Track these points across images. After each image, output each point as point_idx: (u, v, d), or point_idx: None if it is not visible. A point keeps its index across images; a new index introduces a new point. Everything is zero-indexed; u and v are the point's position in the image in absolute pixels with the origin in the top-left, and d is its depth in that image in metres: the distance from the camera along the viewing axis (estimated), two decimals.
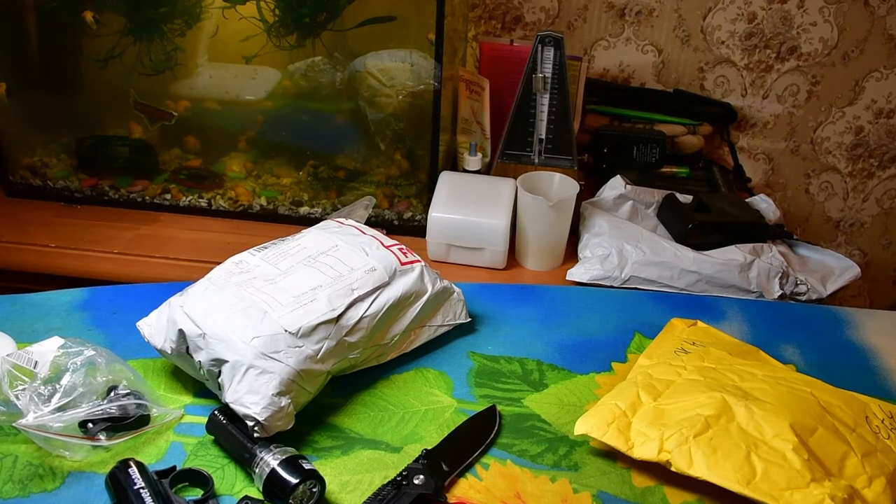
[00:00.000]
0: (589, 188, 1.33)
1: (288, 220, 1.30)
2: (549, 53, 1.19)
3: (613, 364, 0.90)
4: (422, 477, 0.71)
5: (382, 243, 0.90)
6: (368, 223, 1.01)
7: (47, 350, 0.76)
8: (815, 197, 1.69)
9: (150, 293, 0.96)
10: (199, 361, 0.77)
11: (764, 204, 1.29)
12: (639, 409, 0.77)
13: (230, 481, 0.72)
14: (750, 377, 0.81)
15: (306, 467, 0.68)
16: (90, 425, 0.73)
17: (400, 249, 0.90)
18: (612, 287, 1.11)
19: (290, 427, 0.75)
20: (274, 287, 0.81)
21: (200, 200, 1.31)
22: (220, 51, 1.23)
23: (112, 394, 0.76)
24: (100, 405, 0.74)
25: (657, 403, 0.77)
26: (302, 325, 0.77)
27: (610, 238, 1.15)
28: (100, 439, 0.73)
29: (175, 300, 0.82)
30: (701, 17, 1.51)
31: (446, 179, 1.22)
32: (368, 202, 1.09)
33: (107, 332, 0.90)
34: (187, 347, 0.78)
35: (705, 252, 1.15)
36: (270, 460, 0.69)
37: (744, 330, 0.97)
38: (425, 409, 0.82)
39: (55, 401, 0.72)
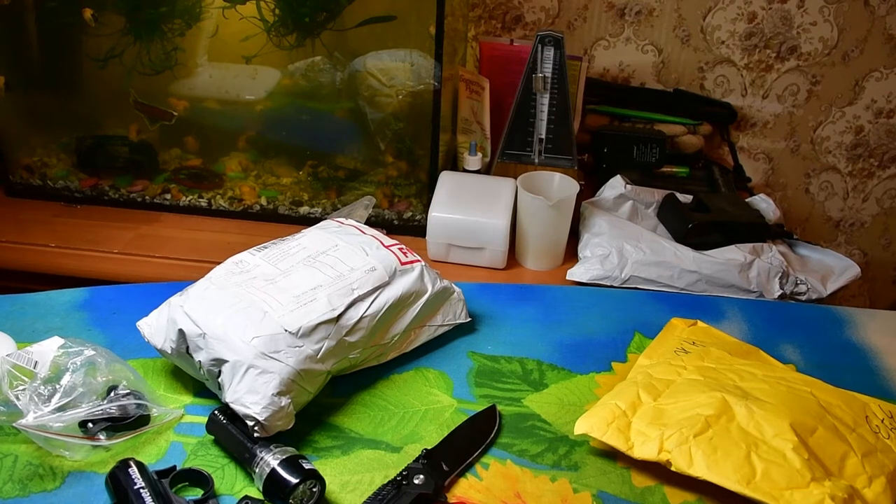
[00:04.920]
0: (589, 188, 1.33)
1: (288, 219, 1.30)
2: (549, 53, 1.19)
3: (613, 364, 0.90)
4: (422, 477, 0.71)
5: (382, 243, 0.90)
6: (368, 223, 1.01)
7: (47, 350, 0.76)
8: (815, 197, 1.69)
9: (150, 293, 0.96)
10: (199, 361, 0.77)
11: (764, 204, 1.29)
12: (639, 409, 0.77)
13: (230, 481, 0.72)
14: (750, 377, 0.81)
15: (306, 467, 0.68)
16: (90, 425, 0.73)
17: (400, 249, 0.90)
18: (612, 287, 1.11)
19: (290, 427, 0.75)
20: (274, 287, 0.81)
21: (200, 200, 1.31)
22: (220, 50, 1.23)
23: (112, 394, 0.76)
24: (100, 405, 0.74)
25: (657, 403, 0.77)
26: (302, 324, 0.77)
27: (610, 238, 1.15)
28: (100, 439, 0.73)
29: (175, 300, 0.82)
30: (701, 16, 1.51)
31: (446, 179, 1.22)
32: (368, 202, 1.09)
33: (107, 332, 0.90)
34: (187, 347, 0.78)
35: (705, 252, 1.15)
36: (270, 460, 0.69)
37: (744, 330, 0.97)
38: (425, 408, 0.82)
39: (55, 401, 0.72)
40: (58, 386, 0.73)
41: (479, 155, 1.28)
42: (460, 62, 1.41)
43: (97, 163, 1.33)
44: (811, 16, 1.48)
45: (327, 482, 0.70)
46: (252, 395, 0.72)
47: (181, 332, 0.78)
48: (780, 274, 1.13)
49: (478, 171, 1.28)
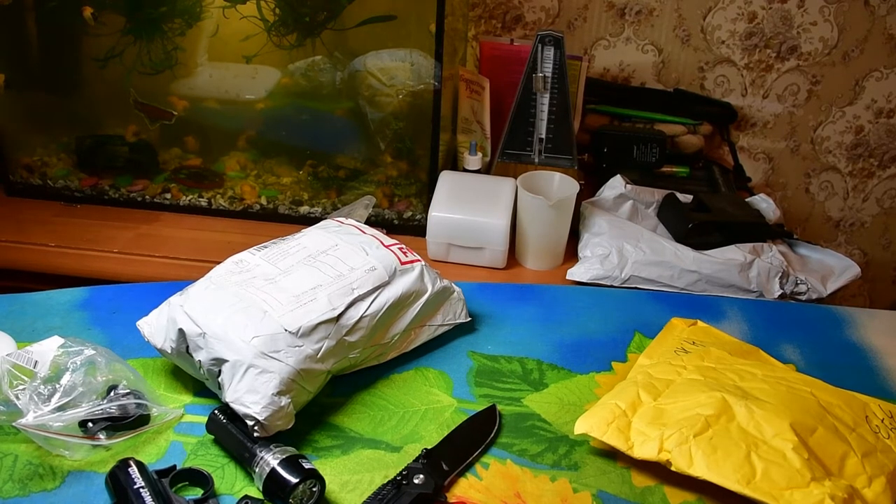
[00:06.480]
0: (589, 188, 1.33)
1: (288, 219, 1.30)
2: (550, 53, 1.19)
3: (613, 364, 0.90)
4: (422, 476, 0.71)
5: (382, 243, 0.90)
6: (368, 222, 1.01)
7: (47, 349, 0.76)
8: (816, 196, 1.69)
9: (149, 292, 0.96)
10: (199, 361, 0.77)
11: (764, 203, 1.29)
12: (639, 409, 0.77)
13: (230, 481, 0.72)
14: (750, 377, 0.81)
15: (306, 467, 0.68)
16: (90, 425, 0.73)
17: (400, 249, 0.90)
18: (612, 287, 1.11)
19: (290, 426, 0.75)
20: (274, 286, 0.81)
21: (200, 200, 1.31)
22: (220, 50, 1.23)
23: (112, 393, 0.76)
24: (100, 405, 0.74)
25: (657, 403, 0.77)
26: (302, 324, 0.77)
27: (610, 238, 1.15)
28: (100, 438, 0.73)
29: (175, 299, 0.82)
30: (701, 16, 1.51)
31: (446, 179, 1.22)
32: (368, 201, 1.09)
33: (107, 332, 0.90)
34: (187, 347, 0.78)
35: (705, 252, 1.15)
36: (270, 460, 0.69)
37: (744, 329, 0.97)
38: (425, 408, 0.82)
39: (55, 400, 0.72)
40: (58, 385, 0.73)
41: (479, 154, 1.28)
42: (460, 62, 1.41)
43: (97, 162, 1.32)
44: (811, 16, 1.48)
45: (327, 482, 0.70)
46: (252, 395, 0.72)
47: (181, 331, 0.78)
48: (780, 274, 1.13)
49: (478, 171, 1.28)
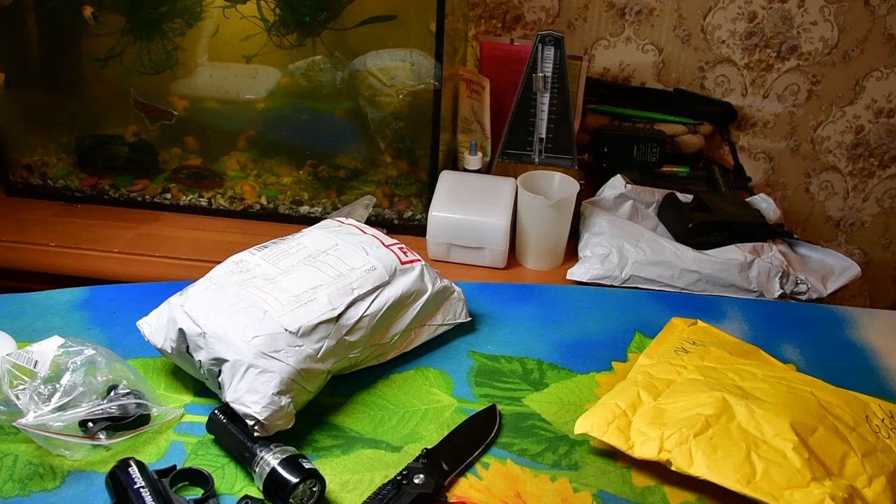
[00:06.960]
0: (589, 188, 1.33)
1: (288, 219, 1.30)
2: (550, 53, 1.19)
3: (614, 363, 0.90)
4: (422, 476, 0.70)
5: (383, 242, 0.90)
6: (369, 222, 1.01)
7: (47, 349, 0.76)
8: (816, 196, 1.69)
9: (150, 292, 0.96)
10: (200, 360, 0.77)
11: (764, 203, 1.29)
12: (639, 409, 0.77)
13: (230, 480, 0.72)
14: (750, 377, 0.81)
15: (306, 466, 0.68)
16: (90, 424, 0.73)
17: (400, 248, 0.90)
18: (612, 286, 1.11)
19: (290, 426, 0.75)
20: (274, 286, 0.81)
21: (200, 200, 1.31)
22: (221, 50, 1.23)
23: (112, 393, 0.76)
24: (100, 404, 0.74)
25: (657, 403, 0.77)
26: (302, 324, 0.77)
27: (610, 237, 1.15)
28: (100, 438, 0.73)
29: (175, 299, 0.82)
30: (701, 16, 1.51)
31: (446, 179, 1.22)
32: (368, 201, 1.09)
33: (107, 332, 0.90)
34: (187, 346, 0.78)
35: (705, 251, 1.15)
36: (270, 459, 0.69)
37: (744, 329, 0.97)
38: (425, 408, 0.82)
39: (55, 400, 0.72)
40: (58, 385, 0.73)
41: (480, 154, 1.28)
42: (460, 62, 1.41)
43: (97, 162, 1.33)
44: (811, 15, 1.48)
45: (327, 482, 0.70)
46: (252, 395, 0.72)
47: (181, 331, 0.78)
48: (780, 273, 1.13)
49: (478, 171, 1.28)
